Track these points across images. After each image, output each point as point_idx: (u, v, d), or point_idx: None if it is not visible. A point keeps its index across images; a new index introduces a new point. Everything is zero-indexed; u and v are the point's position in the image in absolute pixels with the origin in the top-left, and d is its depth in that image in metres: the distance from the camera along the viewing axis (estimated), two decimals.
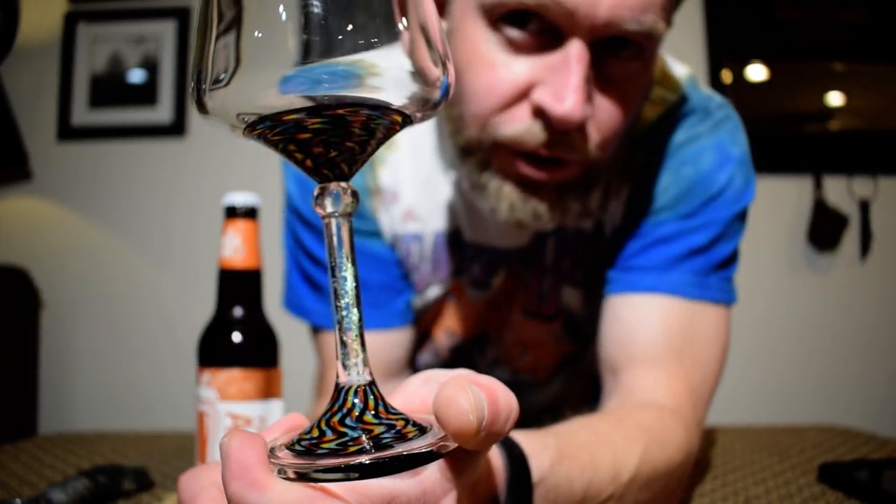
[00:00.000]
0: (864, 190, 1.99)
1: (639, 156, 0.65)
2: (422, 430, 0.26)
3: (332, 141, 0.25)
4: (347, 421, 0.26)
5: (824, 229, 1.97)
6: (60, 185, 2.05)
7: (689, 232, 0.62)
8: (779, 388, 1.93)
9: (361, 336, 0.27)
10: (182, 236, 2.02)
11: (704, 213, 0.62)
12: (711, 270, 0.62)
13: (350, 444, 0.25)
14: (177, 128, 2.03)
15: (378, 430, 0.26)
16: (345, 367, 0.27)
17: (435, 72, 0.25)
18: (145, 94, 2.04)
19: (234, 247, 0.55)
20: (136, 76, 2.05)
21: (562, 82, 0.49)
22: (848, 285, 2.00)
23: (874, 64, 2.02)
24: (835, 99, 2.02)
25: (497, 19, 0.51)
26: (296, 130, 0.25)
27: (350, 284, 0.27)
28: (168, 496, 0.57)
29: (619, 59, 0.51)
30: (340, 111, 0.24)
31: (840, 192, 1.99)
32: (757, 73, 2.01)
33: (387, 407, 0.27)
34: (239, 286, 0.55)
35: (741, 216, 0.64)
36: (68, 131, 2.04)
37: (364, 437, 0.25)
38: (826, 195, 1.98)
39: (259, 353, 0.54)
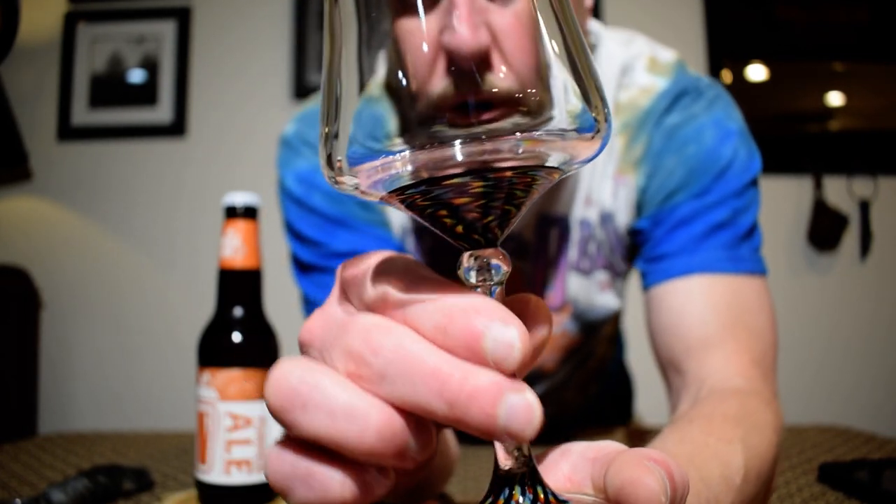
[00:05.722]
0: (864, 190, 1.99)
1: (637, 143, 0.66)
2: None
3: (491, 205, 0.23)
4: None
5: (824, 229, 1.97)
6: (60, 185, 2.05)
7: (707, 209, 0.63)
8: (779, 388, 1.93)
9: None
10: (182, 236, 2.02)
11: (717, 188, 0.63)
12: (739, 242, 0.62)
13: None
14: (177, 128, 2.03)
15: None
16: (507, 450, 0.24)
17: (602, 121, 0.23)
18: (145, 94, 2.04)
19: (234, 247, 0.55)
20: (136, 76, 2.05)
21: (452, 18, 0.45)
22: (848, 285, 2.00)
23: (874, 64, 2.02)
24: (835, 99, 2.02)
25: None
26: (454, 195, 0.22)
27: None
28: (168, 496, 0.57)
29: None
30: (508, 174, 0.22)
31: (840, 192, 1.99)
32: (757, 73, 2.01)
33: (556, 496, 0.24)
34: (239, 286, 0.55)
35: (753, 184, 0.65)
36: (68, 131, 2.04)
37: None
38: (826, 195, 1.98)
39: (259, 353, 0.54)
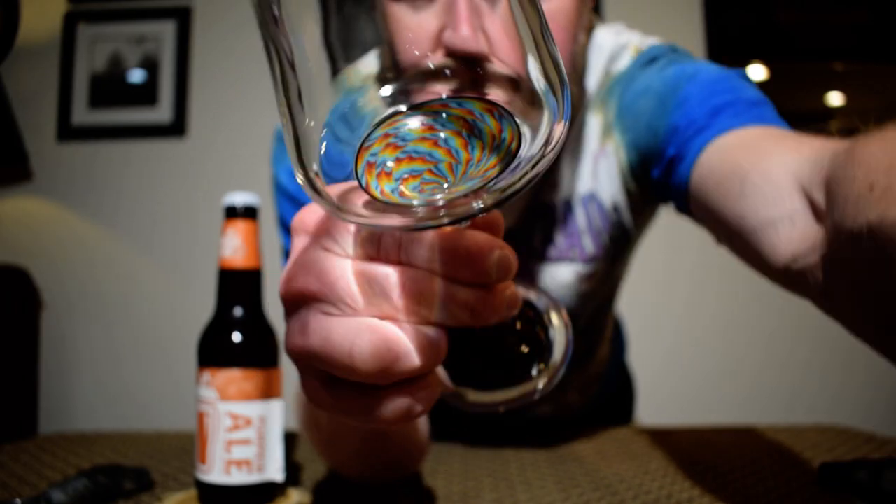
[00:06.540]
0: None
1: (609, 108, 0.67)
2: None
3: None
4: None
5: None
6: (60, 185, 2.05)
7: (700, 103, 0.57)
8: (779, 388, 1.93)
9: None
10: (182, 236, 2.02)
11: (694, 89, 0.59)
12: (753, 106, 0.58)
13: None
14: (177, 128, 2.03)
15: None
16: None
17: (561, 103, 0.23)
18: (145, 94, 2.04)
19: (234, 247, 0.55)
20: (136, 76, 2.05)
21: (452, 17, 0.43)
22: None
23: (874, 64, 2.02)
24: (835, 99, 2.02)
25: None
26: None
27: None
28: (168, 496, 0.57)
29: None
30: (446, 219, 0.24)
31: None
32: (757, 73, 2.01)
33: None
34: (239, 286, 0.55)
35: (741, 77, 0.61)
36: (68, 131, 2.04)
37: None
38: None
39: (259, 353, 0.54)
